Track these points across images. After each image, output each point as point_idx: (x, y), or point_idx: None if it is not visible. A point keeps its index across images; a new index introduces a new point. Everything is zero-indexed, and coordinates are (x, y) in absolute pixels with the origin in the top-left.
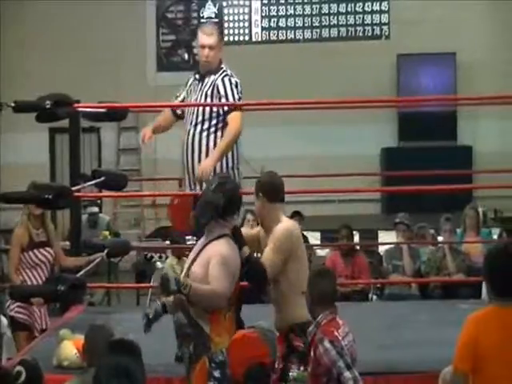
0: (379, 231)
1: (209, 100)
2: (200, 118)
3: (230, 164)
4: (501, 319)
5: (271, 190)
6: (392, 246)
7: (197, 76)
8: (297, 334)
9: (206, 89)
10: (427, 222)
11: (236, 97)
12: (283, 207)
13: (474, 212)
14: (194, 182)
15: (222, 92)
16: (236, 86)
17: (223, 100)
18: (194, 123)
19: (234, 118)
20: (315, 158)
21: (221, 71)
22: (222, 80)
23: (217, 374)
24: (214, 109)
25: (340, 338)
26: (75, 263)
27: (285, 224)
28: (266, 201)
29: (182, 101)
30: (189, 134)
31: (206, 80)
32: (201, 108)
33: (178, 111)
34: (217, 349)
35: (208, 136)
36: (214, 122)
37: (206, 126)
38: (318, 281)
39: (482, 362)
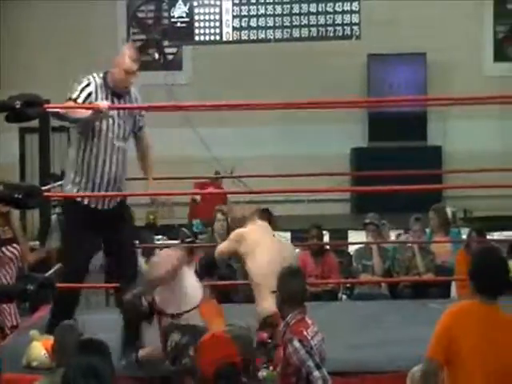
0: (349, 231)
1: (131, 118)
2: (127, 134)
3: None
4: (480, 315)
5: None
6: (362, 245)
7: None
8: (262, 328)
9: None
10: (397, 222)
11: None
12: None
13: (433, 214)
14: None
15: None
16: None
17: (140, 117)
18: (122, 137)
19: (148, 135)
20: (285, 157)
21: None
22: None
23: None
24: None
25: (309, 337)
26: (36, 257)
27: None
28: None
29: None
30: (119, 150)
31: (125, 98)
32: (130, 124)
33: None
34: None
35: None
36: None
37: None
38: (287, 280)
39: (455, 355)
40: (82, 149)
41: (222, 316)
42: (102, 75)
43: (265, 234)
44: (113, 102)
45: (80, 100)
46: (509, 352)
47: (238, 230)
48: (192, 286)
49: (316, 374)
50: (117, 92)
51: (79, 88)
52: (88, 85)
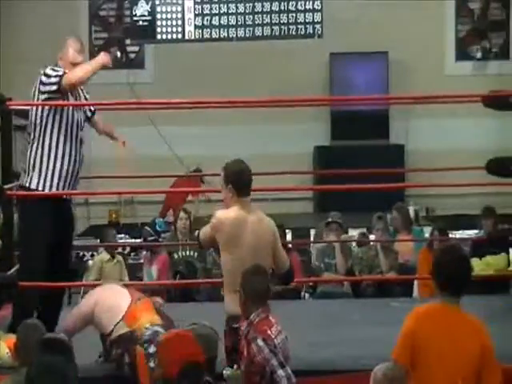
0: (311, 229)
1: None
2: (83, 122)
3: None
4: (442, 316)
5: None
6: (324, 244)
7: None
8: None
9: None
10: (360, 220)
11: None
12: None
13: (396, 212)
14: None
15: None
16: None
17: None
18: (81, 127)
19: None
20: (248, 156)
21: None
22: None
23: (151, 349)
24: None
25: (273, 336)
26: None
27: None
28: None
29: None
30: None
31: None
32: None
33: None
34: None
35: None
36: None
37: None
38: (251, 279)
39: (419, 357)
40: (47, 142)
41: (151, 310)
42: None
43: (244, 223)
44: (71, 93)
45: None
46: (470, 352)
47: (220, 215)
48: (112, 299)
49: (280, 372)
50: None
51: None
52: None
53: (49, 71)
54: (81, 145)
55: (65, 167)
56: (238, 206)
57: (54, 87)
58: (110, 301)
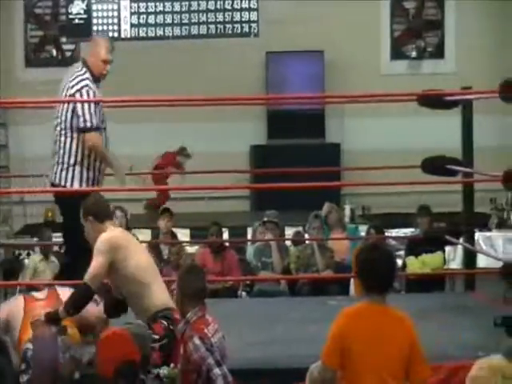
0: (248, 228)
1: None
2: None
3: None
4: (369, 315)
5: (100, 210)
6: (261, 243)
7: (97, 83)
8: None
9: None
10: (297, 219)
11: None
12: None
13: (332, 212)
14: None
15: None
16: None
17: None
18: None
19: None
20: None
21: None
22: None
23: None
24: None
25: (210, 335)
26: None
27: (104, 234)
28: (96, 223)
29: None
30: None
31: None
32: None
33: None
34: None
35: None
36: None
37: None
38: (187, 278)
39: (348, 358)
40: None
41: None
42: (84, 68)
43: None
44: (97, 88)
45: (94, 124)
46: (398, 348)
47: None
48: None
49: (216, 371)
50: (96, 78)
51: (90, 112)
52: (94, 93)
53: (84, 91)
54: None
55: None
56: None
57: (81, 125)
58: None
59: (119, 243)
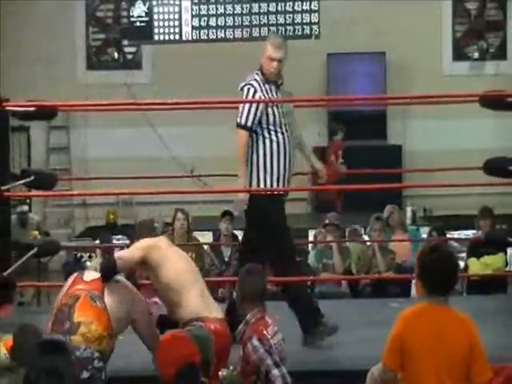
0: (310, 230)
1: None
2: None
3: None
4: (430, 316)
5: None
6: (322, 244)
7: (272, 85)
8: None
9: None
10: (358, 220)
11: None
12: None
13: (393, 214)
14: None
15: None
16: None
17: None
18: (287, 129)
19: None
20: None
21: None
22: None
23: None
24: None
25: (269, 336)
26: None
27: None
28: None
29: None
30: (288, 140)
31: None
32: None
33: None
34: None
35: None
36: None
37: None
38: (247, 279)
39: (409, 359)
40: (262, 144)
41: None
42: (257, 70)
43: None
44: (270, 89)
45: (242, 122)
46: (459, 350)
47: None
48: None
49: (275, 372)
50: (270, 80)
51: (250, 111)
52: (255, 92)
53: (245, 89)
54: None
55: (282, 166)
56: None
57: (237, 121)
58: None
59: (158, 245)
